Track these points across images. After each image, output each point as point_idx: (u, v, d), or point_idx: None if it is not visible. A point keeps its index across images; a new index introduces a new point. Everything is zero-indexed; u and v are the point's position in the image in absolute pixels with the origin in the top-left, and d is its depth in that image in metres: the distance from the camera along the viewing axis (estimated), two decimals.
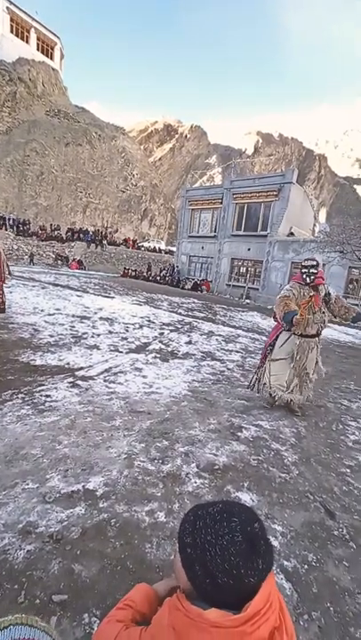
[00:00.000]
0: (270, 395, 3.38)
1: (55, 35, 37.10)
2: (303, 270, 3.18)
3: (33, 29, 34.11)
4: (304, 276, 3.17)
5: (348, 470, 2.49)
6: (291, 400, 3.32)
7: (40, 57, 34.73)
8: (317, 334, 3.24)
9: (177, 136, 67.34)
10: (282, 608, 0.66)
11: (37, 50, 34.90)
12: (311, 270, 3.12)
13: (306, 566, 1.58)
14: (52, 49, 37.28)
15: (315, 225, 20.67)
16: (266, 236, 17.53)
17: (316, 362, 3.34)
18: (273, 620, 0.61)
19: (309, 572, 1.55)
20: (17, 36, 32.75)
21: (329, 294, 3.22)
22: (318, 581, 1.51)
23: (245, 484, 2.12)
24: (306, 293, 3.11)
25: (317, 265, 3.12)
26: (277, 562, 1.58)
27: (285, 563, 1.58)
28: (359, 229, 12.20)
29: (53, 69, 36.50)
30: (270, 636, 0.59)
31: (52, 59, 36.96)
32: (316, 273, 3.12)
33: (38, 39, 35.02)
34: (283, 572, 1.52)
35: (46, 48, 36.43)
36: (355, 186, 77.77)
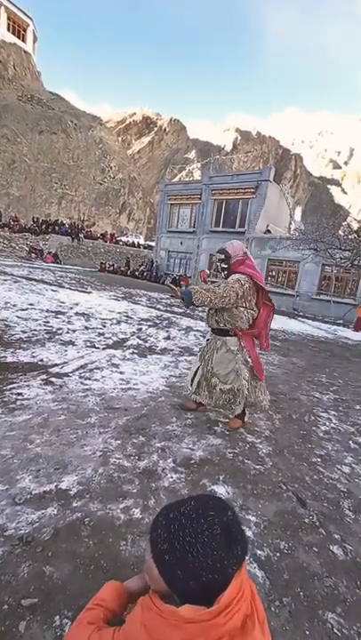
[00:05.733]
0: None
1: (28, 16, 35.21)
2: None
3: (3, 8, 32.16)
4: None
5: (318, 460, 2.59)
6: (199, 401, 2.92)
7: (11, 38, 32.88)
8: (227, 332, 2.68)
9: (156, 129, 66.38)
10: (253, 595, 0.66)
11: (8, 30, 32.98)
12: (222, 265, 2.71)
13: (278, 554, 1.63)
14: (25, 31, 35.39)
15: (291, 223, 21.17)
16: (244, 232, 17.76)
17: (236, 372, 2.68)
18: (245, 609, 0.61)
19: (281, 560, 1.60)
20: None
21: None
22: (289, 568, 1.56)
23: (221, 477, 2.15)
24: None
25: (226, 258, 2.66)
26: (251, 551, 1.61)
27: (259, 552, 1.62)
28: (332, 228, 12.63)
29: (25, 52, 34.72)
30: (243, 624, 0.60)
31: (24, 41, 35.10)
32: (228, 266, 2.67)
33: (9, 19, 33.08)
34: (256, 562, 1.56)
35: (18, 29, 34.50)
36: (328, 186, 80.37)
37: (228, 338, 2.70)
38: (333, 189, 80.00)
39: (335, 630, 1.30)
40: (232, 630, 0.58)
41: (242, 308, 2.59)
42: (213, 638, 0.57)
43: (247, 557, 1.56)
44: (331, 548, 1.72)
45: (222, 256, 2.68)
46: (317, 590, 1.46)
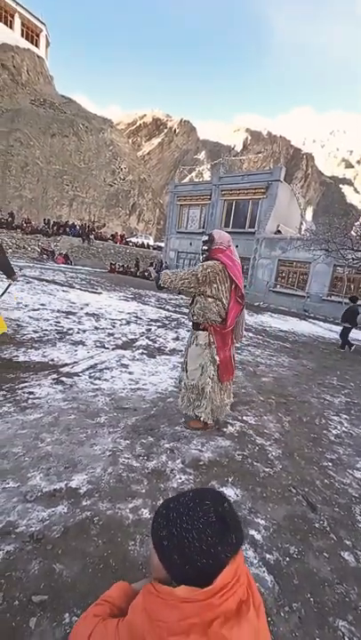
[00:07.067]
0: None
1: (41, 21, 35.84)
2: None
3: (17, 14, 32.82)
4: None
5: (329, 464, 2.55)
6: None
7: (25, 44, 33.48)
8: (198, 326, 2.68)
9: (166, 130, 66.63)
10: (250, 583, 0.69)
11: (22, 36, 33.59)
12: (203, 247, 2.70)
13: (287, 559, 1.61)
14: (38, 36, 36.00)
15: (301, 223, 20.92)
16: (254, 233, 17.64)
17: (201, 369, 2.64)
18: (240, 594, 0.64)
19: (291, 565, 1.58)
20: (0, 20, 31.50)
21: None
22: (299, 573, 1.54)
23: (230, 479, 2.14)
24: None
25: (209, 241, 2.66)
26: (260, 555, 1.60)
27: (268, 556, 1.60)
28: (344, 228, 12.41)
29: (39, 57, 35.29)
30: (238, 607, 0.63)
31: (37, 46, 35.69)
32: (208, 249, 2.65)
33: (23, 25, 33.73)
34: (265, 565, 1.54)
35: (31, 35, 35.13)
36: (340, 185, 79.12)
37: (199, 332, 2.68)
38: (346, 189, 78.72)
39: (346, 638, 1.28)
40: (227, 612, 0.60)
41: (210, 299, 2.56)
42: (208, 618, 0.59)
43: (257, 561, 1.55)
44: (342, 554, 1.69)
45: (206, 238, 2.68)
46: (328, 597, 1.44)
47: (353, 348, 7.70)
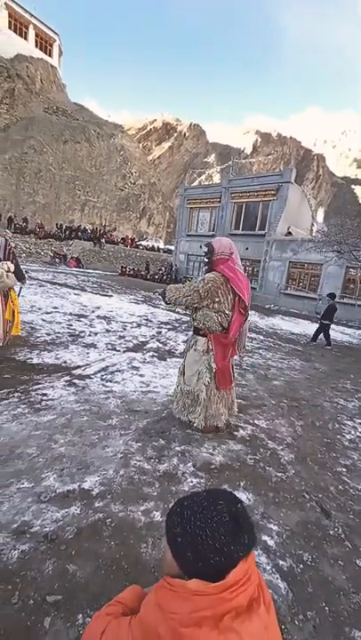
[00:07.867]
0: None
1: (54, 31, 36.82)
2: None
3: (31, 26, 33.82)
4: None
5: (343, 469, 2.50)
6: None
7: (38, 53, 34.43)
8: (198, 331, 2.67)
9: (176, 134, 67.15)
10: (260, 583, 0.71)
11: (36, 46, 34.59)
12: (205, 259, 2.67)
13: (301, 566, 1.58)
14: (51, 45, 36.99)
15: (313, 224, 20.67)
16: (264, 235, 17.52)
17: (198, 375, 2.62)
18: (251, 591, 0.66)
19: (305, 572, 1.55)
20: (15, 32, 32.46)
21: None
22: (313, 581, 1.51)
23: (242, 484, 2.12)
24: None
25: (209, 253, 2.60)
26: (273, 561, 1.58)
27: (281, 562, 1.58)
28: (356, 229, 12.20)
29: (52, 66, 36.20)
30: (249, 603, 0.65)
31: (50, 55, 36.65)
32: (209, 262, 2.60)
33: (37, 36, 34.73)
34: (278, 572, 1.52)
35: (45, 45, 36.13)
36: (352, 186, 77.92)
37: (199, 337, 2.66)
38: (358, 189, 77.49)
39: None
40: (238, 607, 0.63)
41: (213, 312, 2.53)
42: (220, 612, 0.61)
43: (270, 567, 1.53)
44: (357, 562, 1.65)
45: (206, 249, 2.64)
46: (343, 606, 1.41)
47: (330, 344, 7.75)
